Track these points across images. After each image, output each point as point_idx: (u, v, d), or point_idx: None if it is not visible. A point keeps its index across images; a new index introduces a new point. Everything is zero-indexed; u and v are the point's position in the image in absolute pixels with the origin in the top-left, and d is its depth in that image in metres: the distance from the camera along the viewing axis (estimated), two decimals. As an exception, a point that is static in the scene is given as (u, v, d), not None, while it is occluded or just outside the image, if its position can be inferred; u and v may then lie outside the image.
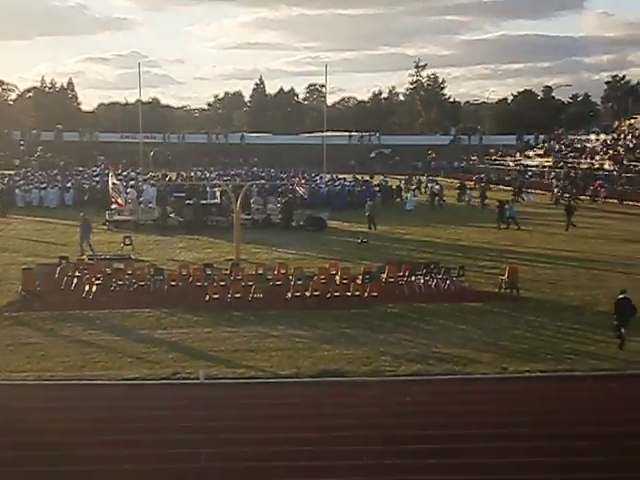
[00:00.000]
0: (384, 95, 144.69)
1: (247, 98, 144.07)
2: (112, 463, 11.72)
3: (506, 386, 16.10)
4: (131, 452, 12.13)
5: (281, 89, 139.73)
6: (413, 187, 62.70)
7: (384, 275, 25.02)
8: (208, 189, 47.94)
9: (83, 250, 30.59)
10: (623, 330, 18.20)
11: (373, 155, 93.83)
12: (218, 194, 43.33)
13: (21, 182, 55.49)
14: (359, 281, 23.75)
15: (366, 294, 23.00)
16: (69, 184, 53.76)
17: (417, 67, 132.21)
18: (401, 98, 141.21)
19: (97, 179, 56.89)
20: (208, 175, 63.38)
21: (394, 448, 12.42)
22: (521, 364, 17.23)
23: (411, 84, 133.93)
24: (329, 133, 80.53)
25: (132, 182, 51.05)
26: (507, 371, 16.85)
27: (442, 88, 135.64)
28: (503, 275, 24.66)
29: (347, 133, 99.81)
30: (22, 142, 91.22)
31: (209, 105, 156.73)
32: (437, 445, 12.52)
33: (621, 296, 18.60)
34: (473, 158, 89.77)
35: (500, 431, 13.14)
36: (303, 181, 55.54)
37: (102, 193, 47.96)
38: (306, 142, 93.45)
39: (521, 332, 20.12)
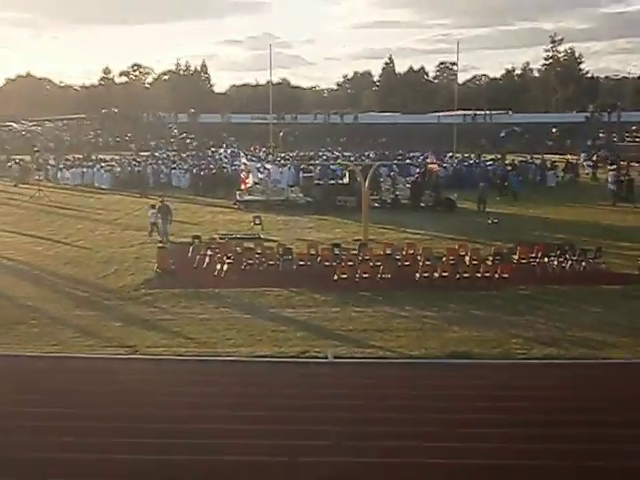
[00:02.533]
0: (517, 72, 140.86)
1: (376, 78, 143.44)
2: (242, 438, 11.91)
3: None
4: (259, 428, 12.30)
5: (411, 68, 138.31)
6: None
7: (515, 256, 24.40)
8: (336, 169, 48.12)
9: (164, 237, 29.60)
10: None
11: (503, 134, 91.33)
12: (347, 174, 43.39)
13: (156, 163, 57.02)
14: (489, 262, 23.27)
15: (496, 275, 22.52)
16: (190, 167, 54.45)
17: (553, 42, 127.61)
18: (535, 75, 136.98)
19: (226, 161, 58.04)
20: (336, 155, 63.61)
21: (521, 432, 12.07)
22: (662, 350, 16.43)
23: (546, 60, 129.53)
24: (457, 112, 79.26)
25: (262, 163, 51.78)
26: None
27: (579, 63, 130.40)
28: (643, 257, 23.58)
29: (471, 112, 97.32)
30: (172, 126, 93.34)
31: (338, 85, 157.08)
32: (567, 430, 12.08)
33: None
34: (613, 135, 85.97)
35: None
36: (436, 161, 54.66)
37: (229, 175, 49.04)
38: (428, 121, 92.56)
39: (662, 317, 19.16)
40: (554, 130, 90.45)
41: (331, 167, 50.33)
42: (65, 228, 33.37)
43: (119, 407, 13.22)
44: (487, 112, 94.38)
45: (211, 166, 53.54)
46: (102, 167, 54.46)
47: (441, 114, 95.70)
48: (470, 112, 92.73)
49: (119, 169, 53.94)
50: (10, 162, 59.00)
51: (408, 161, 55.69)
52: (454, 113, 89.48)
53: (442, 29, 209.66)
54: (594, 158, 63.48)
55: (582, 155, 68.19)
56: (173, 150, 73.95)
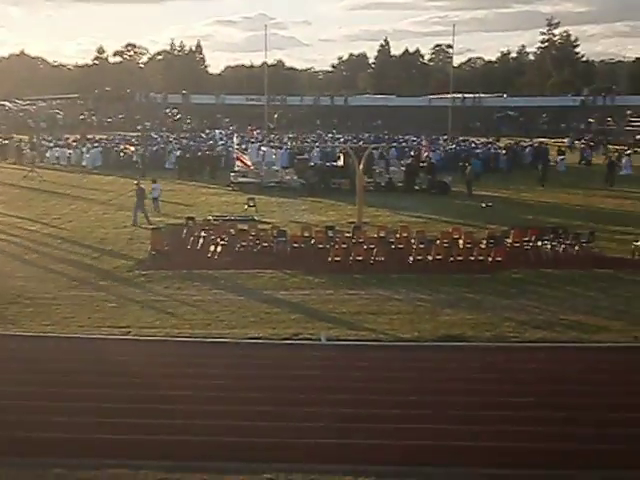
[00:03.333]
0: (513, 55, 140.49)
1: (371, 60, 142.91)
2: (232, 419, 11.98)
3: (638, 355, 15.47)
4: (253, 409, 12.37)
5: (406, 50, 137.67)
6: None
7: (509, 240, 24.45)
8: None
9: (136, 220, 29.21)
10: None
11: (495, 117, 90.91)
12: (341, 157, 43.32)
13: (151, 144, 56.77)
14: (483, 245, 23.31)
15: (490, 259, 22.57)
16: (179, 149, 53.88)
17: (549, 25, 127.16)
18: (531, 58, 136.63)
19: (222, 143, 57.80)
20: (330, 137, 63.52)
21: (513, 415, 12.17)
22: (654, 334, 16.51)
23: (542, 43, 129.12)
24: (447, 95, 79.09)
25: (257, 145, 51.65)
26: (638, 340, 16.16)
27: (575, 47, 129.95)
28: (637, 241, 23.63)
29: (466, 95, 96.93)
30: (175, 110, 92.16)
31: (333, 67, 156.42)
32: (558, 413, 12.18)
33: None
34: (608, 120, 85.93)
35: (631, 401, 12.66)
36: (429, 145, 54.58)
37: (214, 157, 48.66)
38: (419, 104, 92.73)
39: (655, 301, 19.25)
40: (544, 115, 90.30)
41: (326, 150, 50.30)
42: (59, 208, 33.30)
43: (112, 388, 13.27)
44: (477, 95, 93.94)
45: (199, 147, 53.14)
46: (94, 147, 54.24)
47: (432, 97, 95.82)
48: (459, 95, 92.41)
49: (113, 149, 53.75)
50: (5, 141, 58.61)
51: (403, 144, 55.55)
52: (445, 96, 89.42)
53: (438, 11, 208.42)
54: (578, 142, 63.81)
55: (566, 140, 68.28)
56: (167, 131, 73.51)
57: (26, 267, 22.61)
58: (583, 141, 66.17)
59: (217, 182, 42.28)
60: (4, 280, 20.96)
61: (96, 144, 56.02)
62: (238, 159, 41.92)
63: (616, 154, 52.91)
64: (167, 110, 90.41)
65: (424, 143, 54.15)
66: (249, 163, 41.23)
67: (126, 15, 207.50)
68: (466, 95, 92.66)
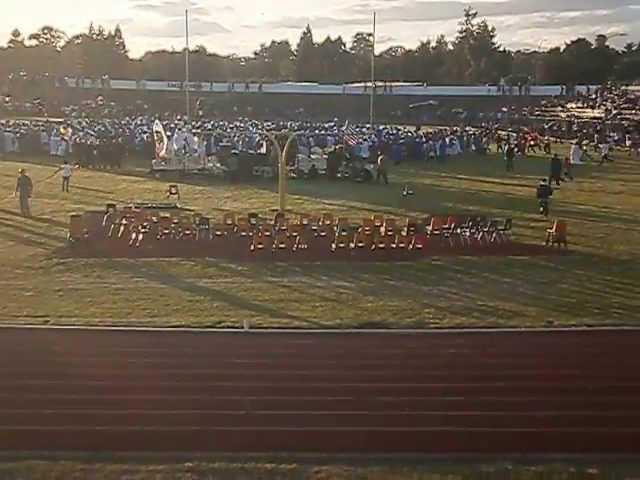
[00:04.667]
0: (432, 45, 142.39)
1: (294, 47, 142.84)
2: (154, 408, 11.90)
3: (552, 339, 15.95)
4: (174, 398, 12.31)
5: (328, 38, 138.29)
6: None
7: (429, 227, 24.84)
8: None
9: (24, 210, 28.26)
10: None
11: (411, 106, 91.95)
12: (264, 144, 43.24)
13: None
14: (404, 233, 23.63)
15: (411, 246, 22.91)
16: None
17: (467, 15, 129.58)
18: (450, 48, 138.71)
19: (145, 129, 56.98)
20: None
21: (435, 400, 12.42)
22: (568, 318, 17.02)
23: (460, 33, 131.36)
24: (378, 83, 79.75)
25: (179, 131, 51.06)
26: (553, 325, 16.66)
27: (492, 37, 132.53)
28: (551, 229, 24.31)
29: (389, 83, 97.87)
30: (100, 97, 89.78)
31: (255, 54, 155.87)
32: (481, 397, 12.49)
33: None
34: (524, 110, 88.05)
35: (545, 384, 13.06)
36: (352, 133, 54.95)
37: (117, 145, 47.81)
38: (334, 92, 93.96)
39: (568, 286, 19.85)
40: (460, 110, 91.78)
41: (248, 136, 50.09)
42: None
43: (30, 378, 13.00)
44: (388, 84, 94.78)
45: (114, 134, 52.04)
46: (7, 131, 52.77)
47: (347, 85, 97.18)
48: (370, 84, 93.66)
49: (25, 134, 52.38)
50: None
51: (324, 132, 55.74)
52: (359, 85, 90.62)
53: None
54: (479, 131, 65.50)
55: (468, 128, 69.82)
56: (85, 117, 71.98)
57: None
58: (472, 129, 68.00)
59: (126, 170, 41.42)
60: None
61: (9, 129, 54.49)
62: (157, 147, 41.45)
63: (515, 142, 55.05)
64: (98, 97, 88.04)
65: (347, 131, 54.51)
66: (161, 153, 40.86)
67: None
68: (378, 83, 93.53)
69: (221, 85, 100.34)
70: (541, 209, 29.71)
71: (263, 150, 42.43)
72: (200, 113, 74.73)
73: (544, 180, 32.03)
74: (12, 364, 13.81)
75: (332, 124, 65.24)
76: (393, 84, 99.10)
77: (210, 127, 60.03)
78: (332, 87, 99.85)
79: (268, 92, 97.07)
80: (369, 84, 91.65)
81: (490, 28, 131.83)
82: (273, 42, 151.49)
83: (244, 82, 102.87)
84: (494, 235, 24.62)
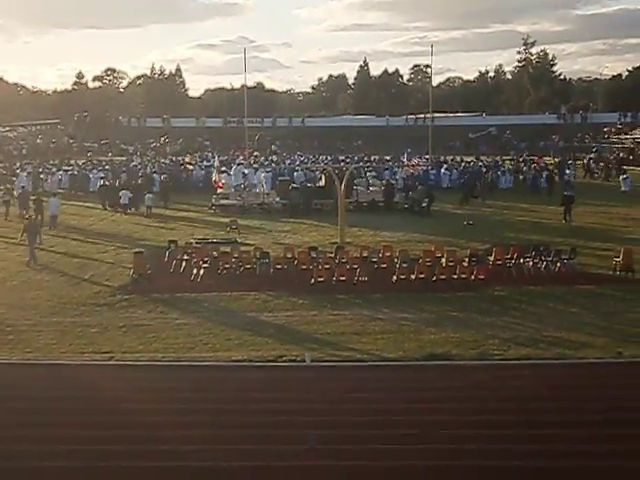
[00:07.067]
0: (491, 74, 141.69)
1: (351, 81, 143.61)
2: (220, 443, 11.88)
3: (622, 371, 15.52)
4: (239, 433, 12.28)
5: (385, 70, 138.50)
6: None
7: (491, 258, 24.52)
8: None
9: (33, 257, 26.75)
10: None
11: (472, 136, 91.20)
12: (323, 177, 43.42)
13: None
14: (465, 264, 23.36)
15: (473, 277, 22.63)
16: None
17: (526, 44, 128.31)
18: (509, 77, 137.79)
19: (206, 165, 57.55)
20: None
21: (503, 433, 12.14)
22: (638, 348, 16.55)
23: (519, 62, 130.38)
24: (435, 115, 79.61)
25: (240, 167, 51.52)
26: (622, 356, 16.21)
27: (552, 65, 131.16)
28: (618, 257, 23.78)
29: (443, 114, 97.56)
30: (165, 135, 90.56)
31: (313, 88, 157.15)
32: (544, 430, 12.18)
33: None
34: (586, 136, 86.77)
35: (617, 416, 12.68)
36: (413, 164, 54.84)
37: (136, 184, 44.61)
38: (377, 124, 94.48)
39: (637, 316, 19.34)
40: (508, 132, 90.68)
41: (306, 171, 50.41)
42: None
43: (95, 414, 13.13)
44: (424, 115, 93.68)
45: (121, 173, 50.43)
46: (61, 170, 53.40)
47: (389, 118, 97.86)
48: (412, 116, 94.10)
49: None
50: None
51: (383, 164, 55.74)
52: (419, 116, 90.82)
53: (418, 32, 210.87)
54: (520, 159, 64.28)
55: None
56: (149, 156, 73.19)
57: (6, 294, 22.37)
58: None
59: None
60: (-16, 307, 20.74)
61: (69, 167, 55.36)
62: (215, 182, 42.01)
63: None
64: (162, 136, 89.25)
65: (407, 162, 54.48)
66: (221, 184, 41.50)
67: (107, 40, 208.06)
68: (418, 115, 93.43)
69: (280, 120, 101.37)
70: (564, 216, 34.99)
71: (322, 183, 42.60)
72: (252, 148, 75.35)
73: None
74: (77, 401, 13.96)
75: (390, 156, 65.15)
76: (450, 115, 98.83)
77: (268, 162, 60.50)
78: (390, 119, 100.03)
79: (326, 126, 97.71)
80: (410, 116, 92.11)
81: (550, 57, 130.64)
82: (330, 76, 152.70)
83: (302, 116, 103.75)
84: (558, 264, 24.17)
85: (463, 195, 43.06)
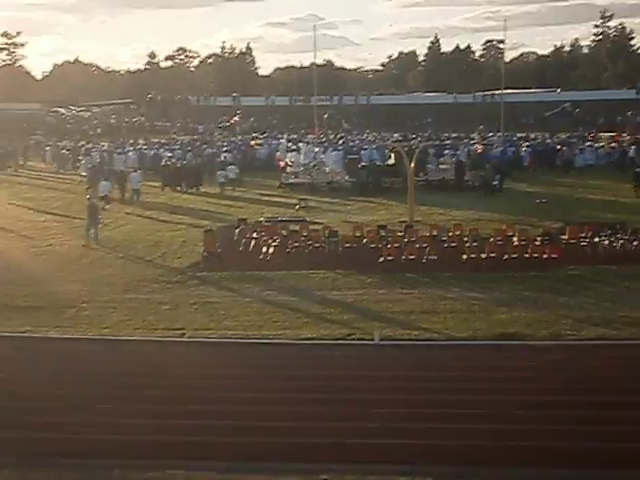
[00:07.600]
0: (567, 49, 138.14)
1: (421, 58, 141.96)
2: (290, 420, 11.97)
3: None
4: (305, 410, 12.35)
5: (457, 47, 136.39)
6: None
7: (565, 236, 24.02)
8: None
9: (89, 238, 26.65)
10: None
11: (548, 114, 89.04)
12: (392, 156, 43.10)
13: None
14: (538, 243, 22.95)
15: (545, 256, 22.21)
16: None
17: (603, 18, 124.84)
18: (585, 51, 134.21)
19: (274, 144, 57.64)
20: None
21: (577, 413, 11.92)
22: None
23: (596, 36, 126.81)
24: (507, 91, 78.03)
25: (310, 146, 51.45)
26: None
27: (630, 39, 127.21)
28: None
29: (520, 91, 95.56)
30: (239, 112, 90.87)
31: (383, 66, 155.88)
32: (618, 412, 11.91)
33: None
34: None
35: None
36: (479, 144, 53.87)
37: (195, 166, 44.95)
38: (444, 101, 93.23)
39: None
40: (577, 110, 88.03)
41: (376, 148, 50.09)
42: (112, 212, 33.58)
43: (169, 389, 13.36)
44: (492, 93, 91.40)
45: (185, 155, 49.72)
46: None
47: (457, 95, 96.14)
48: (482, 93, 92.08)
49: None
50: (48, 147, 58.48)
51: (452, 142, 54.95)
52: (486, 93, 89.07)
53: (490, 6, 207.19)
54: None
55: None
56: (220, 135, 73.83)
57: (81, 271, 22.92)
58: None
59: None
60: (61, 285, 21.28)
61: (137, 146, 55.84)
62: (279, 160, 42.14)
63: None
64: (236, 114, 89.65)
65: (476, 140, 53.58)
66: (282, 164, 41.69)
67: (178, 20, 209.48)
68: (486, 93, 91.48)
69: (349, 98, 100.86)
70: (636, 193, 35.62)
71: (391, 161, 42.30)
72: (325, 128, 75.16)
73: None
74: (150, 376, 14.22)
75: (461, 134, 64.19)
76: (524, 91, 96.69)
77: (337, 140, 60.31)
78: (461, 96, 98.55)
79: (396, 103, 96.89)
80: (478, 94, 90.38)
81: (628, 30, 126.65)
82: (401, 53, 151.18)
83: (372, 94, 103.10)
84: (635, 243, 23.52)
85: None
